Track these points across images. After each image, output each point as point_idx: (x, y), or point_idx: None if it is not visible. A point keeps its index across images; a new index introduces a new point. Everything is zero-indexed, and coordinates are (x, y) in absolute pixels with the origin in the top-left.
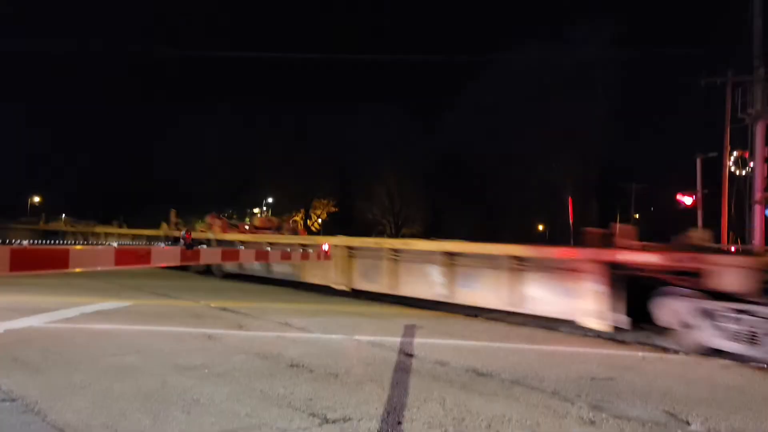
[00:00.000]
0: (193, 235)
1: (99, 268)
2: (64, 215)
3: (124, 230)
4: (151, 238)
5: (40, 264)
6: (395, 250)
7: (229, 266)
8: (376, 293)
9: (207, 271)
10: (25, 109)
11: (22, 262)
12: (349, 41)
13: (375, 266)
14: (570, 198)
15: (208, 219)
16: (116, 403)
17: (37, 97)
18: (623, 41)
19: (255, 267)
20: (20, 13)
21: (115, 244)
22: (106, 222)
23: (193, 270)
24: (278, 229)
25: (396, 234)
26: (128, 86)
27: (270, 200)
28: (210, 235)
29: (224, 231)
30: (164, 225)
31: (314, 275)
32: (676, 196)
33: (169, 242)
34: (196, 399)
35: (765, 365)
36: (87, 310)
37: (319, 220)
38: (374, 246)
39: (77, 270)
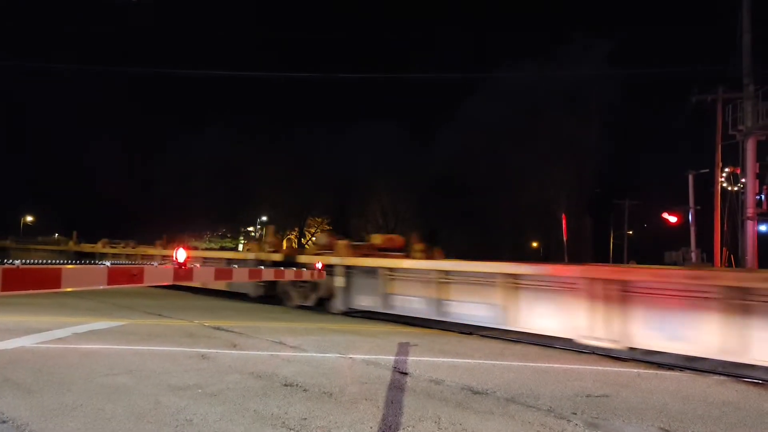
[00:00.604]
0: (304, 259)
1: (91, 288)
2: (67, 235)
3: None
4: (230, 261)
5: (33, 284)
6: (742, 289)
7: (366, 301)
8: (687, 356)
9: (319, 306)
10: (17, 126)
11: (14, 282)
12: (344, 59)
13: (685, 311)
14: (564, 215)
15: (323, 238)
16: (108, 424)
17: (30, 112)
18: (617, 59)
19: (414, 305)
20: (15, 29)
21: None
22: (147, 242)
23: (293, 304)
24: (403, 250)
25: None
26: (122, 103)
27: (264, 218)
28: (335, 260)
29: (352, 254)
30: (254, 245)
31: (540, 322)
32: (662, 215)
33: (264, 266)
34: (189, 419)
35: (759, 381)
36: (79, 330)
37: (314, 238)
38: (688, 279)
39: (69, 289)
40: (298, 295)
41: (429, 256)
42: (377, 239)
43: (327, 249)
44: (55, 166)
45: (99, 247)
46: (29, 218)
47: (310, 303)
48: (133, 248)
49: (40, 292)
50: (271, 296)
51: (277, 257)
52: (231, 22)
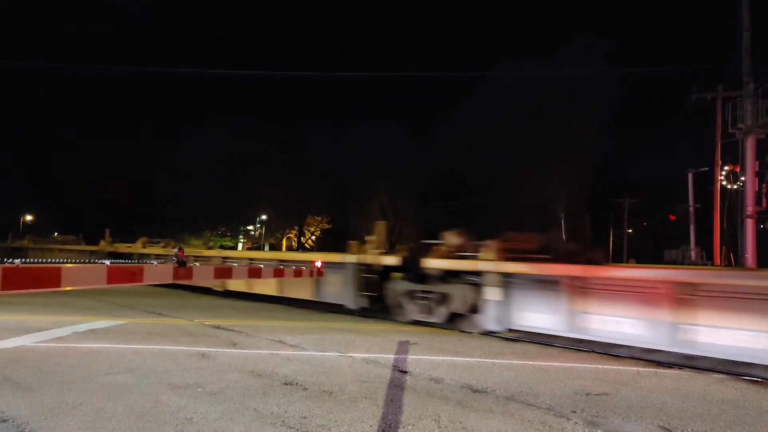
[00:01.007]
0: (435, 264)
1: (91, 287)
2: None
3: (284, 253)
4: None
5: (32, 283)
6: None
7: (538, 320)
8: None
9: (450, 323)
10: (17, 125)
11: (13, 281)
12: (344, 58)
13: None
14: (563, 214)
15: (453, 238)
16: (108, 423)
17: (29, 112)
18: (616, 58)
19: (625, 328)
20: (14, 29)
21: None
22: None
23: (407, 319)
24: (542, 252)
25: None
26: (121, 103)
27: (264, 217)
28: (484, 266)
29: (505, 256)
30: (356, 245)
31: None
32: (670, 215)
33: (370, 273)
34: (189, 418)
35: (759, 378)
36: (79, 329)
37: (313, 237)
38: None
39: (69, 288)
40: (416, 308)
41: (588, 259)
42: (512, 238)
43: (461, 251)
44: (54, 166)
45: (138, 247)
46: (28, 217)
47: (436, 319)
48: (173, 248)
49: (40, 291)
50: (379, 308)
51: (390, 261)
52: (231, 21)
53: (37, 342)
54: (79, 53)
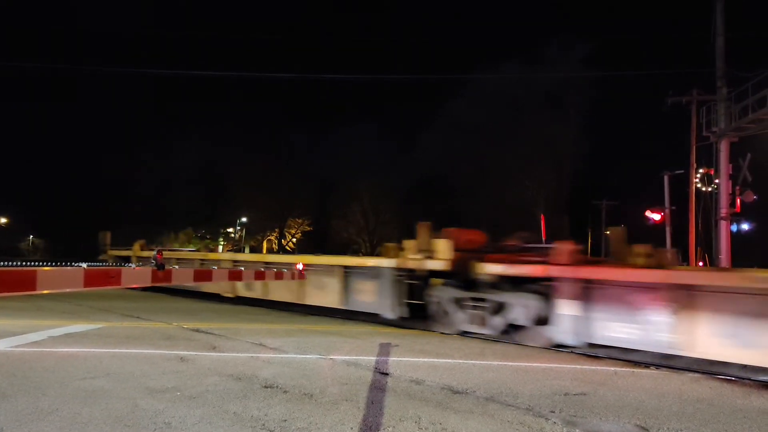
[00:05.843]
0: (495, 270)
1: (68, 290)
2: (42, 238)
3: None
4: (348, 270)
5: (7, 286)
6: None
7: (631, 332)
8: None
9: (505, 335)
10: None
11: None
12: (327, 60)
13: None
14: (543, 215)
15: (515, 240)
16: (85, 429)
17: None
18: (595, 61)
19: None
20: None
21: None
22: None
23: (455, 330)
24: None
25: (372, 253)
26: (102, 104)
27: (244, 219)
28: (557, 271)
29: (580, 259)
30: (392, 248)
31: None
32: (644, 213)
33: (413, 279)
34: (168, 422)
35: (732, 377)
36: (55, 333)
37: (294, 240)
38: None
39: (45, 292)
40: (466, 318)
41: (659, 263)
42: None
43: (522, 254)
44: (32, 168)
45: (137, 250)
46: (2, 220)
47: (489, 331)
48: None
49: (15, 294)
50: (420, 318)
51: (437, 265)
52: (216, 22)
53: (11, 347)
54: (60, 54)
